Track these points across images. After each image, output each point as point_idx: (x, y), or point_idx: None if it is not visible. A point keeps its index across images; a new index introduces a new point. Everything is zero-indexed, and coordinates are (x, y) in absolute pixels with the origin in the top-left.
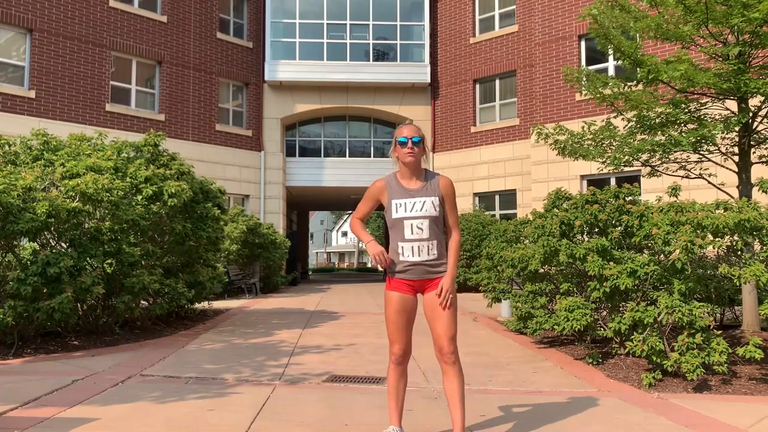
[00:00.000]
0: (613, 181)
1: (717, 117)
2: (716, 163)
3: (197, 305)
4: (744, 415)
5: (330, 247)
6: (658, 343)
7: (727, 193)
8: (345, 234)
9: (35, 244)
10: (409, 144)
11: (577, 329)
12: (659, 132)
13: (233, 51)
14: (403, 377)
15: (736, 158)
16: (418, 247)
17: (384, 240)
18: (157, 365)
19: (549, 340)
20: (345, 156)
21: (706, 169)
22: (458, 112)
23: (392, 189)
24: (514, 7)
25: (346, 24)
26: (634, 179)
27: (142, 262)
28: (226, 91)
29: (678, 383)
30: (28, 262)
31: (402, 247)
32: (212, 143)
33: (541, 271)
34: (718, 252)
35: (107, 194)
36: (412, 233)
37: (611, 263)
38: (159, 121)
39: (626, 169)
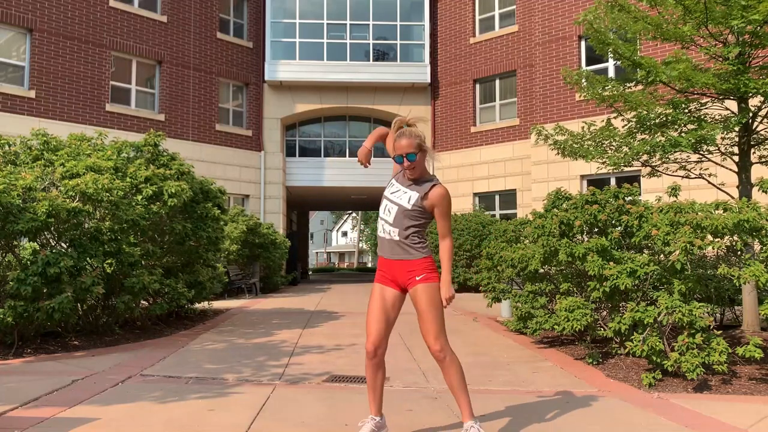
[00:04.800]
0: (613, 181)
1: (717, 117)
2: (716, 163)
3: (197, 305)
4: (744, 415)
5: (330, 247)
6: (658, 343)
7: (727, 193)
8: (345, 234)
9: (35, 244)
10: (405, 163)
11: (577, 329)
12: (659, 132)
13: (233, 51)
14: (378, 371)
15: (736, 158)
16: (384, 226)
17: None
18: (158, 365)
19: (549, 340)
20: (345, 156)
21: (706, 169)
22: (458, 112)
23: (398, 171)
24: (514, 7)
25: (346, 24)
26: (634, 179)
27: (142, 262)
28: (226, 91)
29: (678, 383)
30: (28, 262)
31: (379, 221)
32: (212, 143)
33: (541, 271)
34: (717, 252)
35: (107, 194)
36: (383, 212)
37: (611, 263)
38: (159, 121)
39: (626, 169)
